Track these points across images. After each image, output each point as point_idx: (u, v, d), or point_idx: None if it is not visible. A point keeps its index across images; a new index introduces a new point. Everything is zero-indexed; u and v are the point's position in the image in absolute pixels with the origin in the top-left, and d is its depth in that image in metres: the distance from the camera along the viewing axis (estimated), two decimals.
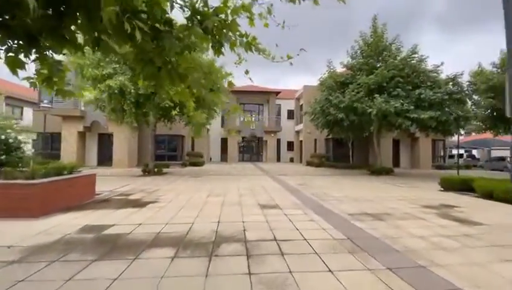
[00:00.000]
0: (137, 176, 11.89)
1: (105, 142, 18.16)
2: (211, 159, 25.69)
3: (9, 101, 21.84)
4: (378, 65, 13.07)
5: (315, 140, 22.46)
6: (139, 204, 5.82)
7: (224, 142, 26.36)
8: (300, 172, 15.27)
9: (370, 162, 19.92)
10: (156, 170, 13.01)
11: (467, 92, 13.39)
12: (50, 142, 17.59)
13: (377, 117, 11.88)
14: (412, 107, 11.42)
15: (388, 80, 12.28)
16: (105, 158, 17.81)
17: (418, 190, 8.61)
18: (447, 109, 11.37)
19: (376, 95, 11.76)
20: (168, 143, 19.00)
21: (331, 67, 14.41)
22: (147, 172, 12.57)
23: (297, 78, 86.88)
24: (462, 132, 16.37)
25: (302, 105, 24.56)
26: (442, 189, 8.54)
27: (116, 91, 10.00)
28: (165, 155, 18.72)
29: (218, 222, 4.45)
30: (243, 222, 4.48)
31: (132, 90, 10.24)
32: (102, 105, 11.79)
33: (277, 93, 26.54)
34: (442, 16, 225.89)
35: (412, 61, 12.77)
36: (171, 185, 8.97)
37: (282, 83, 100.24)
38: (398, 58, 12.91)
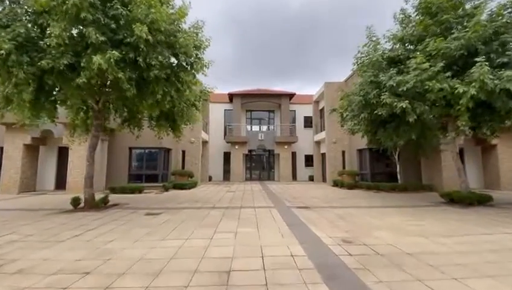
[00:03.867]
0: (57, 213, 7.13)
1: (67, 159, 13.88)
2: (210, 178, 20.84)
3: None
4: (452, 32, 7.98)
5: (343, 152, 17.08)
6: None
7: (227, 156, 21.56)
8: (329, 199, 9.95)
9: (424, 181, 14.17)
10: (104, 199, 8.24)
11: None
12: None
13: (472, 101, 6.61)
14: None
15: (487, 40, 7.09)
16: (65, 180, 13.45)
17: None
18: None
19: (474, 69, 6.55)
20: (147, 159, 14.42)
21: (373, 37, 9.37)
22: (82, 205, 7.79)
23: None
24: None
25: (323, 108, 19.48)
26: None
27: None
28: (143, 175, 14.09)
29: None
30: None
31: (28, 59, 5.72)
32: None
33: (291, 96, 21.73)
34: None
35: None
36: (65, 245, 4.13)
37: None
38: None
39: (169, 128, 9.00)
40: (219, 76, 54.37)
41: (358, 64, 9.47)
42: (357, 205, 8.36)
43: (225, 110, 22.94)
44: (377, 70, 8.49)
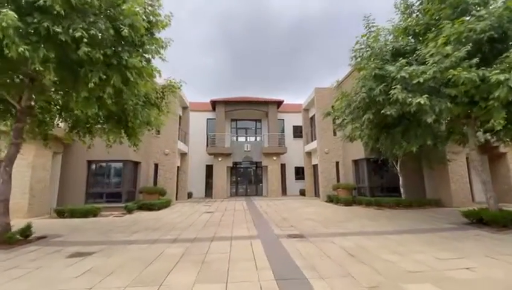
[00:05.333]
0: None
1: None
2: (190, 195, 18.55)
3: None
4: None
5: (336, 163, 15.43)
6: None
7: (209, 170, 19.45)
8: (327, 221, 8.07)
9: (428, 195, 12.63)
10: (25, 231, 5.98)
11: None
12: None
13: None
14: None
15: None
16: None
17: None
18: None
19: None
20: (110, 174, 12.14)
21: (372, 26, 7.90)
22: None
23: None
24: None
25: (313, 116, 17.98)
26: None
27: None
28: (104, 193, 11.76)
29: None
30: None
31: None
32: None
33: (279, 104, 20.19)
34: None
35: None
36: None
37: None
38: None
39: (125, 135, 6.97)
40: (207, 88, 52.94)
41: (357, 58, 7.94)
42: (365, 231, 6.51)
43: (208, 119, 21.06)
44: (381, 62, 6.95)
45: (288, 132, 21.48)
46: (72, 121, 7.23)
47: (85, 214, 9.75)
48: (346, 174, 14.84)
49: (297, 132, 21.37)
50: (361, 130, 7.74)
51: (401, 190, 11.62)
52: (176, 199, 16.27)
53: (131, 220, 8.94)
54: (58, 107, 6.09)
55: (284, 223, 7.65)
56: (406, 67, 6.06)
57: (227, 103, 19.49)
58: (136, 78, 5.24)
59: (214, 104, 19.46)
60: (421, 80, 5.70)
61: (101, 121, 6.87)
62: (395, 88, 5.99)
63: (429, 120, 5.91)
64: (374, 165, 12.92)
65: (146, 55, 5.28)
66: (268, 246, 5.05)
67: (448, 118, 7.10)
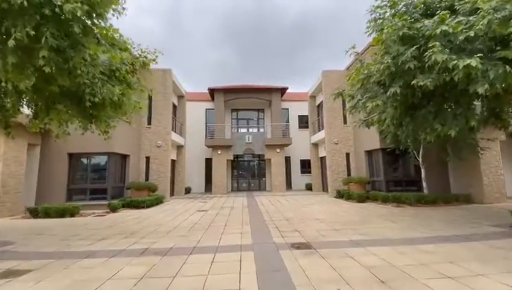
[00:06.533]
0: None
1: None
2: (189, 190, 17.38)
3: None
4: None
5: (347, 155, 13.92)
6: None
7: (209, 164, 18.17)
8: (340, 223, 6.67)
9: (454, 189, 11.06)
10: None
11: None
12: None
13: None
14: None
15: None
16: None
17: None
18: None
19: None
20: (94, 168, 10.95)
21: None
22: None
23: None
24: None
25: (320, 104, 16.42)
26: None
27: None
28: (87, 189, 10.61)
29: None
30: None
31: None
32: None
33: (282, 92, 18.61)
34: None
35: None
36: None
37: None
38: None
39: (90, 120, 5.65)
40: (211, 83, 51.46)
41: (376, 21, 6.33)
42: (390, 238, 5.09)
43: (207, 109, 19.71)
44: (411, 19, 5.36)
45: (293, 122, 19.96)
46: (35, 105, 5.96)
47: (61, 213, 8.60)
48: (358, 167, 13.34)
49: (303, 122, 19.82)
50: (383, 111, 6.20)
51: (424, 184, 10.08)
52: (172, 194, 15.12)
53: (110, 221, 7.72)
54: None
55: (287, 226, 6.29)
56: (448, 21, 4.51)
57: (226, 91, 18.04)
58: (83, 38, 3.87)
59: (213, 92, 18.04)
60: (472, 33, 4.16)
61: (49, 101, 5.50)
62: (432, 47, 4.45)
63: (481, 90, 4.37)
64: (390, 156, 11.38)
65: (97, 9, 3.87)
66: (263, 265, 3.69)
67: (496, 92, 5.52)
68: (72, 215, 8.71)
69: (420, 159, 10.15)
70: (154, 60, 5.82)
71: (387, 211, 8.47)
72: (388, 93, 5.36)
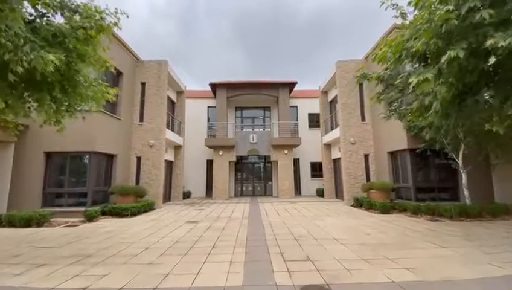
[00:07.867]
0: None
1: None
2: (188, 194, 15.90)
3: None
4: None
5: (365, 157, 12.10)
6: None
7: (211, 166, 16.66)
8: (368, 246, 4.93)
9: (498, 198, 9.10)
10: None
11: None
12: None
13: None
14: None
15: None
16: None
17: None
18: None
19: None
20: (74, 170, 9.59)
21: None
22: None
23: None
24: None
25: (334, 100, 14.68)
26: None
27: None
28: (65, 194, 9.25)
29: None
30: None
31: None
32: None
33: (291, 87, 16.94)
34: None
35: None
36: None
37: None
38: None
39: (26, 102, 4.21)
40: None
41: None
42: (453, 277, 3.35)
43: (209, 107, 18.27)
44: None
45: (303, 121, 18.21)
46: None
47: (27, 222, 7.24)
48: (378, 171, 11.49)
49: (314, 121, 18.08)
50: (430, 92, 4.43)
51: (465, 192, 8.18)
52: (169, 200, 13.67)
53: (76, 234, 6.26)
54: None
55: (296, 251, 4.62)
56: None
57: (229, 86, 16.53)
58: None
59: (215, 88, 16.58)
60: None
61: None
62: None
63: None
64: (419, 158, 9.53)
65: None
66: None
67: None
68: (39, 224, 7.33)
69: (460, 162, 8.27)
70: (116, 24, 4.34)
71: (425, 227, 6.65)
72: (443, 59, 3.61)
